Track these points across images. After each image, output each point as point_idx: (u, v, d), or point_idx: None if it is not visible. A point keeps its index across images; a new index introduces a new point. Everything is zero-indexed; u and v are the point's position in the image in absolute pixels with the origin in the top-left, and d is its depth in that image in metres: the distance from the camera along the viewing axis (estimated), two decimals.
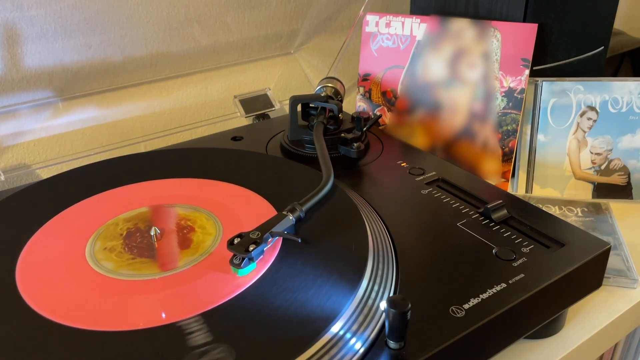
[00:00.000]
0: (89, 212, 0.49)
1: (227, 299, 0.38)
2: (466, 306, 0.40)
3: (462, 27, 0.67)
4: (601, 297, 0.52)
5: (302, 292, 0.39)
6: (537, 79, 0.65)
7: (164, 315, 0.37)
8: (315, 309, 0.37)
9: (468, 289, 0.41)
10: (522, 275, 0.43)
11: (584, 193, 0.66)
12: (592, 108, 0.65)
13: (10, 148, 0.67)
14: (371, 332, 0.37)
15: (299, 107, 0.64)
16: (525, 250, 0.46)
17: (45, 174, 0.67)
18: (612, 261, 0.54)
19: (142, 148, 0.72)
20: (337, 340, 0.36)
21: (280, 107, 0.77)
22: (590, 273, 0.46)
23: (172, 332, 0.36)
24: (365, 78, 0.72)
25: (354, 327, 0.37)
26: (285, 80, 0.86)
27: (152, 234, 0.45)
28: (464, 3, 0.68)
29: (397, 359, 0.36)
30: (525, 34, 0.63)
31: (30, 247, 0.45)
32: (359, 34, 0.72)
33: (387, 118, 0.72)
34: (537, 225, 0.49)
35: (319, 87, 0.68)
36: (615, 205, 0.63)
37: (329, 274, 0.40)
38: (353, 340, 0.36)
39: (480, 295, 0.41)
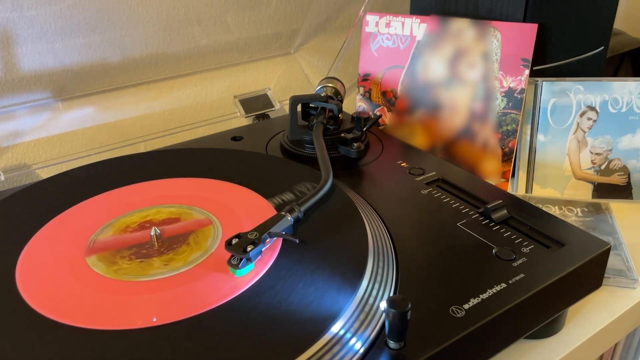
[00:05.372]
0: (89, 212, 0.49)
1: (227, 299, 0.38)
2: (466, 306, 0.40)
3: (462, 27, 0.67)
4: (601, 297, 0.52)
5: (302, 292, 0.39)
6: (537, 79, 0.65)
7: (155, 319, 0.37)
8: (315, 309, 0.37)
9: (468, 289, 0.41)
10: (522, 275, 0.43)
11: (584, 193, 0.66)
12: (592, 108, 0.65)
13: (10, 148, 0.67)
14: (371, 332, 0.37)
15: (299, 107, 0.64)
16: (525, 250, 0.46)
17: (45, 174, 0.67)
18: (612, 261, 0.54)
19: (142, 148, 0.72)
20: (337, 340, 0.36)
21: (280, 107, 0.77)
22: (590, 273, 0.46)
23: (172, 332, 0.36)
24: (365, 78, 0.72)
25: (354, 327, 0.37)
26: (285, 80, 0.86)
27: (152, 234, 0.45)
28: (464, 3, 0.68)
29: (397, 359, 0.36)
30: (525, 34, 0.63)
31: (30, 247, 0.45)
32: (359, 34, 0.72)
33: (387, 118, 0.72)
34: (537, 225, 0.49)
35: (319, 87, 0.68)
36: (615, 205, 0.63)
37: (329, 274, 0.40)
38: (353, 340, 0.36)
39: (480, 295, 0.41)
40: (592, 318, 0.50)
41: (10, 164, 0.67)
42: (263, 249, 0.42)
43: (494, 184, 0.62)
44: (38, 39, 0.64)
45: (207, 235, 0.46)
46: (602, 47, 0.72)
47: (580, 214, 0.61)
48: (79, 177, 0.55)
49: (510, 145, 0.66)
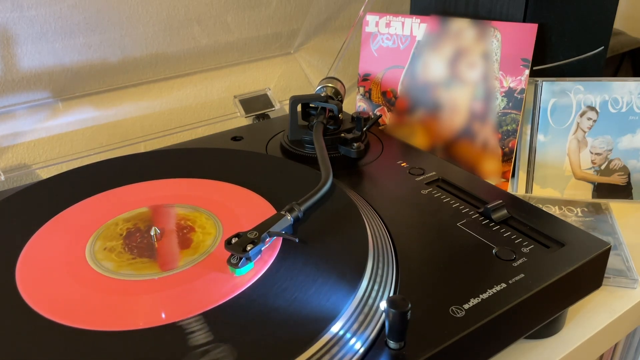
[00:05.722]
0: (89, 212, 0.49)
1: (227, 299, 0.38)
2: (466, 306, 0.40)
3: (462, 27, 0.67)
4: (601, 297, 0.52)
5: (302, 292, 0.39)
6: (537, 79, 0.65)
7: (163, 315, 0.37)
8: (315, 309, 0.37)
9: (468, 289, 0.41)
10: (522, 275, 0.43)
11: (584, 193, 0.66)
12: (592, 108, 0.65)
13: (10, 148, 0.67)
14: (371, 332, 0.37)
15: (299, 107, 0.64)
16: (525, 250, 0.45)
17: (45, 174, 0.67)
18: (612, 261, 0.54)
19: (142, 148, 0.72)
20: (337, 340, 0.36)
21: (280, 107, 0.77)
22: (590, 273, 0.46)
23: (172, 332, 0.36)
24: (365, 78, 0.72)
25: (354, 327, 0.37)
26: (285, 80, 0.86)
27: (152, 234, 0.45)
28: (464, 3, 0.68)
29: (397, 359, 0.36)
30: (525, 34, 0.63)
31: (30, 247, 0.45)
32: (359, 34, 0.72)
33: (387, 118, 0.72)
34: (537, 225, 0.49)
35: (319, 87, 0.68)
36: (615, 205, 0.63)
37: (329, 274, 0.40)
38: (353, 340, 0.36)
39: (480, 295, 0.41)
40: (592, 318, 0.50)
41: (10, 164, 0.67)
42: (263, 248, 0.42)
43: (494, 184, 0.62)
44: (38, 39, 0.64)
45: (207, 235, 0.46)
46: (602, 47, 0.72)
47: (580, 214, 0.61)
48: (79, 177, 0.55)
49: (510, 145, 0.66)
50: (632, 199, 0.66)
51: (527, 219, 0.49)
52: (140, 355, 0.34)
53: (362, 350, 0.36)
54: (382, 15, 0.70)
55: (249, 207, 0.49)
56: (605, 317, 0.50)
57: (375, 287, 0.40)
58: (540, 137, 0.66)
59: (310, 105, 0.64)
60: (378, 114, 0.72)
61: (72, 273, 0.42)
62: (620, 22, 1.06)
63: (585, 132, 0.65)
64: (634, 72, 0.98)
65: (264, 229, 0.43)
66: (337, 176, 0.56)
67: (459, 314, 0.39)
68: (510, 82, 0.65)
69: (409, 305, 0.34)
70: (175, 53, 0.74)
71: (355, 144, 0.59)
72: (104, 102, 0.71)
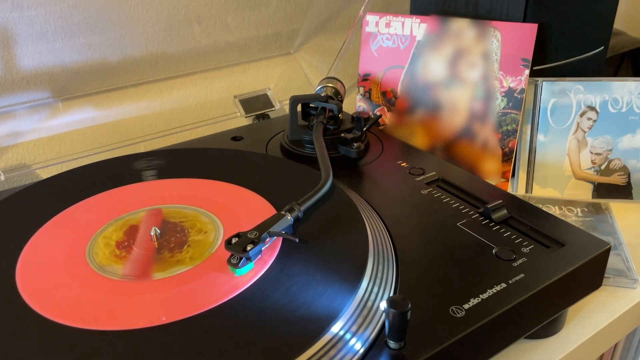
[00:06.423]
0: (89, 212, 0.49)
1: (227, 299, 0.38)
2: (466, 306, 0.40)
3: (462, 27, 0.67)
4: (601, 297, 0.52)
5: (302, 292, 0.39)
6: (537, 79, 0.65)
7: (164, 318, 0.37)
8: (315, 309, 0.37)
9: (468, 289, 0.41)
10: (522, 275, 0.43)
11: (584, 193, 0.66)
12: (592, 108, 0.65)
13: (10, 148, 0.67)
14: (371, 332, 0.37)
15: (299, 107, 0.64)
16: (525, 250, 0.46)
17: (45, 174, 0.67)
18: (612, 261, 0.54)
19: (142, 148, 0.72)
20: (337, 340, 0.36)
21: (280, 107, 0.77)
22: (590, 273, 0.46)
23: (172, 332, 0.36)
24: (365, 78, 0.72)
25: (354, 327, 0.37)
26: (285, 80, 0.86)
27: (152, 234, 0.45)
28: (464, 3, 0.68)
29: (397, 359, 0.36)
30: (525, 34, 0.63)
31: (30, 247, 0.45)
32: (359, 34, 0.72)
33: (387, 118, 0.72)
34: (537, 225, 0.49)
35: (319, 87, 0.68)
36: (615, 205, 0.63)
37: (329, 274, 0.40)
38: (353, 340, 0.36)
39: (480, 295, 0.41)
40: (592, 318, 0.50)
41: (10, 164, 0.67)
42: (263, 248, 0.42)
43: (494, 184, 0.62)
44: (38, 39, 0.64)
45: (207, 236, 0.46)
46: (602, 47, 0.72)
47: (580, 214, 0.61)
48: (79, 177, 0.55)
49: (510, 145, 0.66)
50: (632, 199, 0.66)
51: (527, 219, 0.49)
52: (141, 355, 0.34)
53: (362, 350, 0.36)
54: (382, 15, 0.70)
55: (249, 207, 0.49)
56: (605, 317, 0.50)
57: (375, 287, 0.40)
58: (540, 137, 0.66)
59: (310, 105, 0.64)
60: (378, 114, 0.72)
61: (72, 273, 0.42)
62: (620, 22, 1.06)
63: (585, 132, 0.65)
64: (634, 72, 0.98)
65: (264, 229, 0.43)
66: (337, 176, 0.56)
67: (459, 314, 0.39)
68: (510, 82, 0.65)
69: (409, 305, 0.34)
70: (175, 53, 0.74)
71: (355, 144, 0.59)
72: (104, 102, 0.71)
